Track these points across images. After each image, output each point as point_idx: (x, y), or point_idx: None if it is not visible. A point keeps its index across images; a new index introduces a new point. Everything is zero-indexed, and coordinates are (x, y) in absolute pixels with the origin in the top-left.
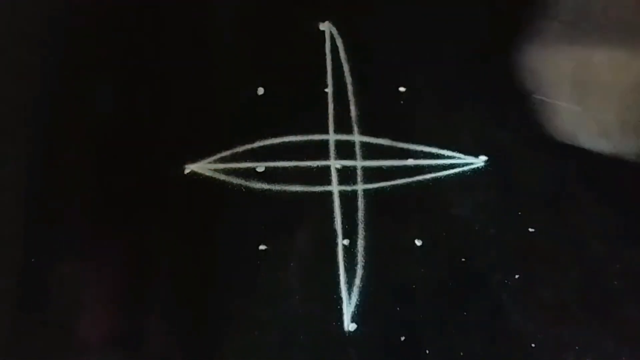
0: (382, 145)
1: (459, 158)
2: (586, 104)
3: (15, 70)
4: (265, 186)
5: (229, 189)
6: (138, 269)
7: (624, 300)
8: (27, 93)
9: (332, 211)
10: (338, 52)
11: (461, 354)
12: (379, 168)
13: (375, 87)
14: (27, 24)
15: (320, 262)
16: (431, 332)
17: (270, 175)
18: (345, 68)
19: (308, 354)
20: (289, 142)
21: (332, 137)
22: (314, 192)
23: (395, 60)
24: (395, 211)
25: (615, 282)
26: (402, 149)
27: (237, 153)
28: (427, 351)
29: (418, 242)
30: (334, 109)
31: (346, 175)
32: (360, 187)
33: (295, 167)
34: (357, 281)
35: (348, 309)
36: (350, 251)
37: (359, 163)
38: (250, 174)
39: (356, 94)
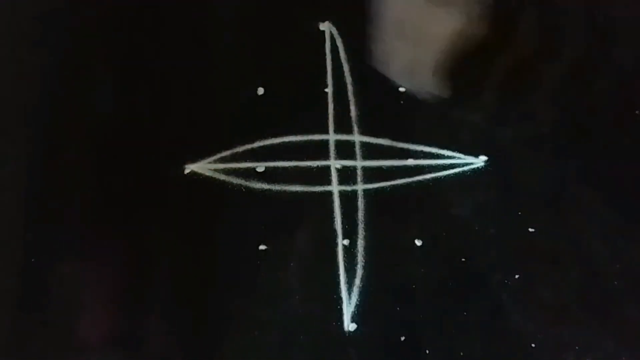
0: (382, 145)
1: (459, 158)
2: (409, 44)
3: (15, 70)
4: (265, 186)
5: (229, 189)
6: (138, 269)
7: (624, 300)
8: (27, 93)
9: (332, 211)
10: (338, 52)
11: (461, 354)
12: (379, 168)
13: (375, 87)
14: (27, 24)
15: (320, 262)
16: (431, 332)
17: (270, 175)
18: (345, 68)
19: (308, 354)
20: (289, 142)
21: (332, 137)
22: (314, 192)
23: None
24: (395, 211)
25: (615, 282)
26: (402, 149)
27: (237, 153)
28: (427, 351)
29: (418, 242)
30: (334, 109)
31: (346, 175)
32: (360, 187)
33: (295, 167)
34: (357, 281)
35: (348, 309)
36: (350, 251)
37: (359, 163)
38: (250, 174)
39: (356, 94)
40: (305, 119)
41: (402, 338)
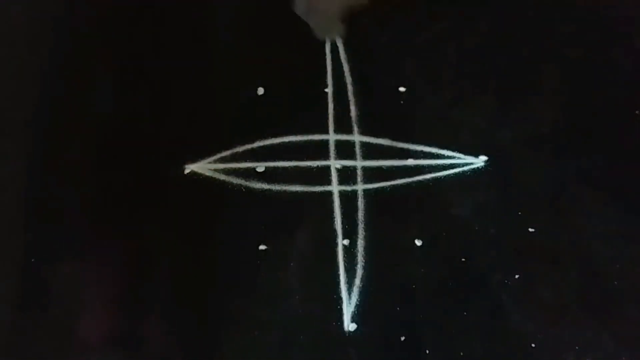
0: (382, 145)
1: (459, 158)
2: None
3: (15, 70)
4: (265, 186)
5: (229, 189)
6: (138, 269)
7: (624, 300)
8: (27, 93)
9: (332, 211)
10: (338, 52)
11: (461, 354)
12: (379, 168)
13: (375, 87)
14: (27, 24)
15: (320, 262)
16: (431, 332)
17: (270, 175)
18: (345, 68)
19: (308, 354)
20: (289, 142)
21: (332, 137)
22: (314, 192)
23: (395, 60)
24: (395, 211)
25: (615, 282)
26: (402, 149)
27: (237, 153)
28: (427, 351)
29: (418, 242)
30: (334, 109)
31: (346, 175)
32: (360, 187)
33: (295, 167)
34: (357, 281)
35: (348, 309)
36: (350, 251)
37: (359, 163)
38: (250, 174)
39: (356, 94)
40: (305, 119)
41: (402, 338)
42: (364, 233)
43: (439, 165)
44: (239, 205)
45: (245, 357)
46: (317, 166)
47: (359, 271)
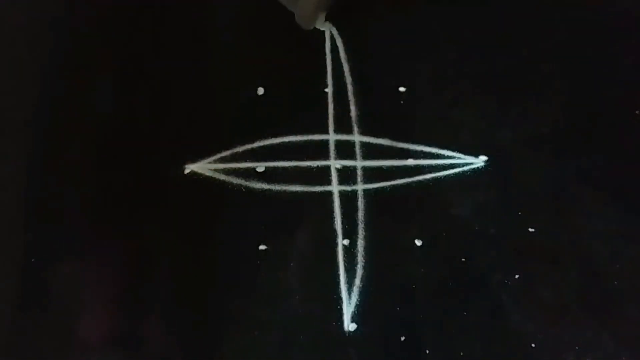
0: (382, 145)
1: (459, 158)
2: None
3: (15, 70)
4: (265, 186)
5: (229, 189)
6: (138, 269)
7: (624, 300)
8: (27, 93)
9: (332, 211)
10: (338, 52)
11: (461, 354)
12: (379, 168)
13: (375, 87)
14: (27, 24)
15: (320, 262)
16: (431, 332)
17: (270, 175)
18: (345, 68)
19: (308, 354)
20: (289, 142)
21: (332, 137)
22: (314, 192)
23: (395, 60)
24: (395, 211)
25: (615, 282)
26: (402, 149)
27: (237, 153)
28: (427, 351)
29: (418, 242)
30: (334, 109)
31: (346, 175)
32: (360, 187)
33: (295, 167)
34: (357, 281)
35: (348, 309)
36: (350, 251)
37: (359, 163)
38: (250, 174)
39: (356, 94)
40: (305, 119)
41: (402, 338)
42: (364, 233)
43: (439, 165)
44: (239, 205)
45: (245, 357)
46: (317, 166)
47: (359, 271)
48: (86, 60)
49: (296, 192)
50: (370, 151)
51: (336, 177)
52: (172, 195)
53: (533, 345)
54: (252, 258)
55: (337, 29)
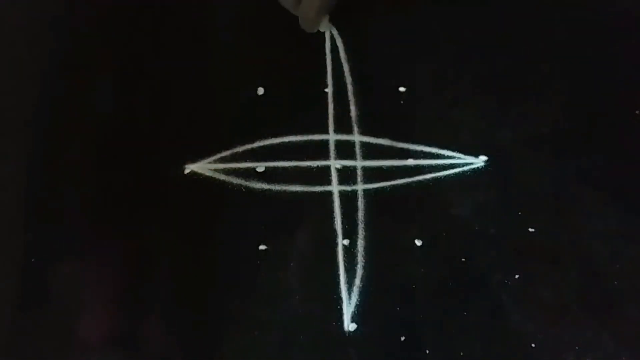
0: (382, 145)
1: (459, 158)
2: None
3: (15, 70)
4: (265, 186)
5: (229, 189)
6: (138, 269)
7: (624, 300)
8: (27, 93)
9: (332, 211)
10: (338, 52)
11: (461, 354)
12: (379, 168)
13: (375, 87)
14: (27, 24)
15: (320, 262)
16: (431, 332)
17: (270, 175)
18: (345, 68)
19: (308, 354)
20: (289, 142)
21: (332, 137)
22: (314, 192)
23: (395, 60)
24: (395, 211)
25: (615, 282)
26: (402, 149)
27: (237, 153)
28: (427, 351)
29: (418, 242)
30: (334, 109)
31: (346, 175)
32: (360, 187)
33: (295, 167)
34: (357, 281)
35: (348, 309)
36: (350, 251)
37: (359, 163)
38: (250, 174)
39: (356, 94)
40: (305, 119)
41: (402, 338)
42: (364, 233)
43: (439, 165)
44: (239, 205)
45: (245, 357)
46: (317, 166)
47: (359, 271)
48: (86, 60)
49: (296, 192)
50: (370, 151)
51: (336, 177)
52: (172, 195)
53: (533, 345)
54: (252, 258)
55: (337, 29)
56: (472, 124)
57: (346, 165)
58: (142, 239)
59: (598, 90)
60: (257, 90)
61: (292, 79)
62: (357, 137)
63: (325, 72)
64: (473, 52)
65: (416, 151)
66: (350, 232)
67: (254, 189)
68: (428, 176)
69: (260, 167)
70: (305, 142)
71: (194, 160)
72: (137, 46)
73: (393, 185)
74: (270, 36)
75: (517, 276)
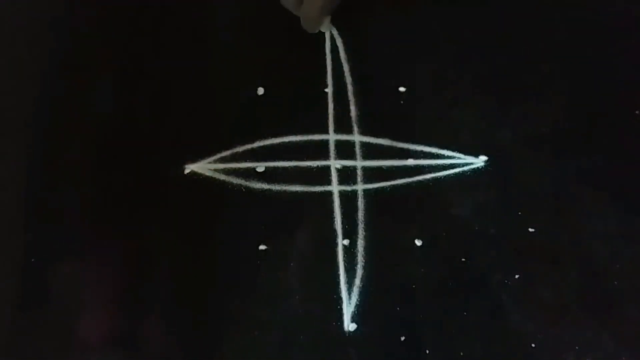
0: (382, 145)
1: (459, 158)
2: None
3: (15, 70)
4: (265, 186)
5: (229, 189)
6: (138, 269)
7: (624, 300)
8: (27, 93)
9: (332, 211)
10: (338, 52)
11: (461, 354)
12: (379, 168)
13: (375, 87)
14: (27, 24)
15: (320, 262)
16: (431, 332)
17: (270, 175)
18: (345, 68)
19: (308, 354)
20: (289, 142)
21: (332, 137)
22: (314, 192)
23: (395, 60)
24: (395, 211)
25: (615, 282)
26: (402, 149)
27: (237, 153)
28: (427, 351)
29: (418, 242)
30: (334, 109)
31: (346, 175)
32: (360, 187)
33: (295, 167)
34: (357, 281)
35: (348, 309)
36: (350, 251)
37: (359, 163)
38: (250, 174)
39: (356, 94)
40: (305, 119)
41: (402, 338)
42: (364, 233)
43: (439, 165)
44: (239, 205)
45: (245, 357)
46: (317, 166)
47: (359, 271)
48: (86, 60)
49: (296, 192)
50: (370, 151)
51: (336, 177)
52: (172, 195)
53: (533, 345)
54: (252, 258)
55: (337, 29)
56: (472, 124)
57: (346, 165)
58: (142, 239)
59: (598, 90)
60: (257, 90)
61: (292, 79)
62: (357, 137)
63: (325, 72)
64: (473, 52)
65: (416, 151)
66: (350, 232)
67: (254, 189)
68: (428, 176)
69: (260, 167)
70: (305, 142)
71: (194, 160)
72: (137, 46)
73: (393, 185)
74: (270, 36)
75: (517, 276)
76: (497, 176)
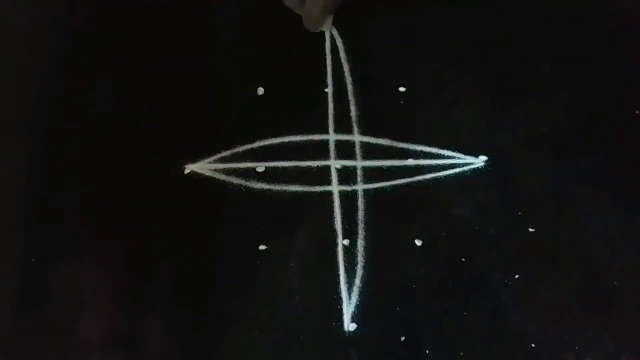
0: (382, 145)
1: (459, 158)
2: None
3: (15, 70)
4: (265, 186)
5: (229, 189)
6: (138, 269)
7: (624, 300)
8: (27, 93)
9: (332, 211)
10: (338, 52)
11: (461, 354)
12: (379, 168)
13: (375, 87)
14: (27, 24)
15: (320, 262)
16: (431, 332)
17: (270, 175)
18: (345, 68)
19: (308, 354)
20: (289, 142)
21: (332, 137)
22: (314, 192)
23: (395, 60)
24: (395, 211)
25: (615, 282)
26: (402, 149)
27: (237, 153)
28: (427, 351)
29: (418, 242)
30: (334, 109)
31: (346, 175)
32: (360, 187)
33: (295, 167)
34: (357, 281)
35: (348, 309)
36: (350, 251)
37: (359, 163)
38: (250, 174)
39: (356, 94)
40: (305, 119)
41: (402, 338)
42: (364, 233)
43: (439, 165)
44: (239, 205)
45: (245, 357)
46: (317, 166)
47: (359, 271)
48: (86, 60)
49: (296, 192)
50: (370, 151)
51: (336, 177)
52: (172, 195)
53: (533, 345)
54: (252, 258)
55: (337, 29)
56: (472, 124)
57: (346, 165)
58: (142, 239)
59: (598, 90)
60: (257, 90)
61: (292, 79)
62: (357, 137)
63: (325, 72)
64: (473, 52)
65: (416, 151)
66: (350, 232)
67: (254, 189)
68: (428, 176)
69: (260, 167)
70: (305, 142)
71: (194, 160)
72: (137, 46)
73: (393, 185)
74: (270, 36)
75: (517, 276)
76: (497, 176)
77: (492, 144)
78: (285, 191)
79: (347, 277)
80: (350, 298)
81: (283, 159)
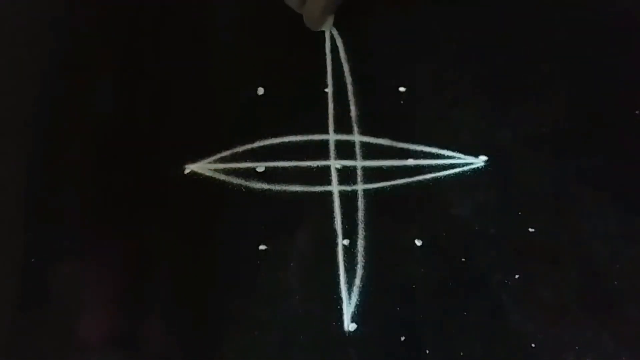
0: (382, 145)
1: (459, 158)
2: None
3: (15, 70)
4: (265, 186)
5: (229, 189)
6: (138, 269)
7: (624, 300)
8: (27, 93)
9: (332, 211)
10: (338, 52)
11: (461, 354)
12: (379, 168)
13: (375, 87)
14: (27, 24)
15: (320, 262)
16: (431, 332)
17: (270, 175)
18: (345, 68)
19: (308, 354)
20: (289, 142)
21: (332, 137)
22: (314, 192)
23: (395, 60)
24: (395, 211)
25: (615, 282)
26: (402, 149)
27: (237, 153)
28: (427, 351)
29: (418, 242)
30: (334, 109)
31: (346, 175)
32: (360, 187)
33: (295, 167)
34: (357, 281)
35: (348, 309)
36: (350, 251)
37: (359, 163)
38: (250, 174)
39: (356, 94)
40: (305, 119)
41: (402, 338)
42: (364, 233)
43: (439, 165)
44: (239, 205)
45: (245, 357)
46: (317, 166)
47: (359, 271)
48: (86, 60)
49: (296, 192)
50: (370, 151)
51: (336, 177)
52: (172, 195)
53: (533, 345)
54: (252, 258)
55: (337, 29)
56: (472, 124)
57: (346, 165)
58: (142, 239)
59: (598, 90)
60: (257, 90)
61: (292, 79)
62: (357, 137)
63: (325, 72)
64: (473, 52)
65: (416, 151)
66: (350, 232)
67: (254, 189)
68: (428, 176)
69: (260, 167)
70: (305, 142)
71: (194, 160)
72: (137, 46)
73: (393, 185)
74: (270, 36)
75: (517, 276)
76: (497, 176)
77: (492, 144)
78: (285, 191)
79: (347, 277)
80: (350, 298)
81: (283, 159)
